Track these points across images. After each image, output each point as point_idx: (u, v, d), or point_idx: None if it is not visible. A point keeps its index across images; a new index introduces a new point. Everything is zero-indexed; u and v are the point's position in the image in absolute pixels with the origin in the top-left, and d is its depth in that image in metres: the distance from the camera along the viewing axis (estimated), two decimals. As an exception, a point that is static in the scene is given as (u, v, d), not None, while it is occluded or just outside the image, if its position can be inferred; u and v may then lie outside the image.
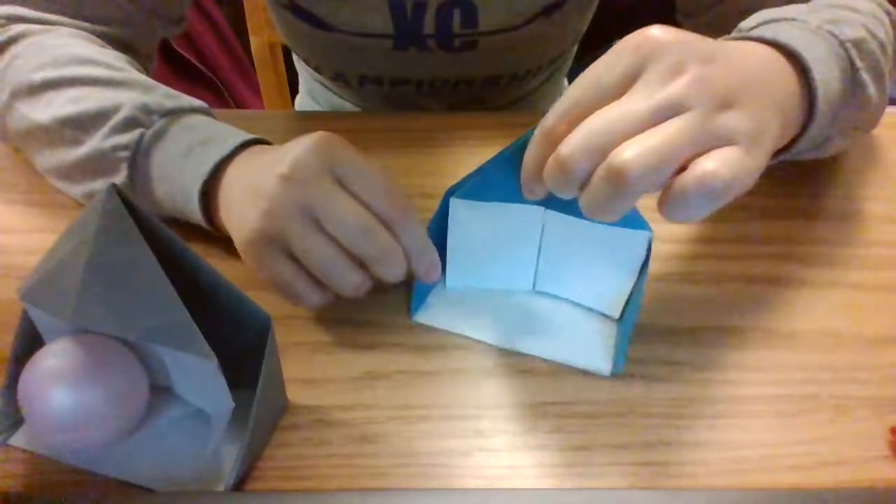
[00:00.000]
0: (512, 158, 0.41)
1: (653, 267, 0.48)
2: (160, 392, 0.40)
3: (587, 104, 0.34)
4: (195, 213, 0.46)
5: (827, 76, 0.42)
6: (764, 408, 0.40)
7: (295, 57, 0.85)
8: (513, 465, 0.38)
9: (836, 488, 0.37)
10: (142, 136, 0.47)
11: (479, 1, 0.61)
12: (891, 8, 0.53)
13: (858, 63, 0.44)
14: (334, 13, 0.63)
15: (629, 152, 0.32)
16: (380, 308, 0.46)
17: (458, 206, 0.44)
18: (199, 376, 0.37)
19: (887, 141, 0.59)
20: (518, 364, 0.43)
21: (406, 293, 0.46)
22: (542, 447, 0.39)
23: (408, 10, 0.62)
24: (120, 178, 0.47)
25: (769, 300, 0.46)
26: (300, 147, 0.41)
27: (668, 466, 0.38)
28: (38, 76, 0.50)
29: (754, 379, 0.42)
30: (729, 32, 0.49)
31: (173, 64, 1.24)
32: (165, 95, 0.49)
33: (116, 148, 0.47)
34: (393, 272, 0.41)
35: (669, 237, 0.50)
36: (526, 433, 0.39)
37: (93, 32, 0.56)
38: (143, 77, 0.51)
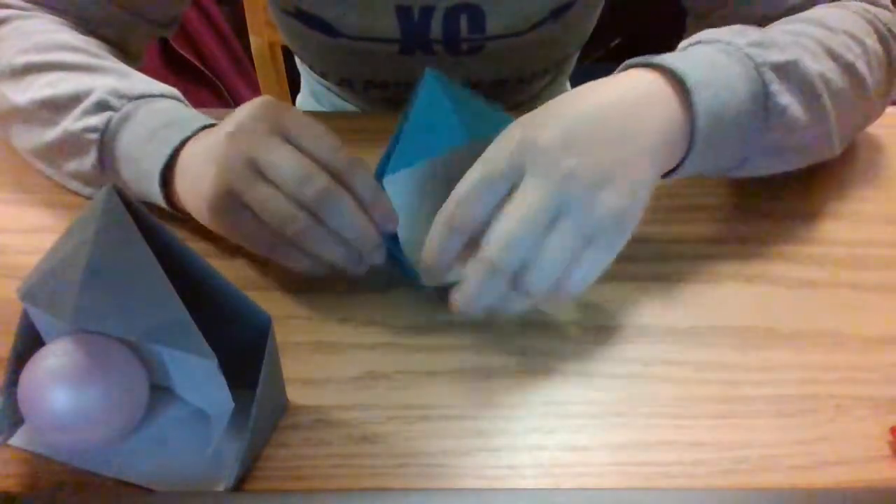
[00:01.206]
0: (419, 116, 0.44)
1: (653, 267, 0.48)
2: (160, 392, 0.40)
3: (478, 196, 0.40)
4: (157, 195, 0.47)
5: (723, 99, 0.43)
6: (764, 408, 0.40)
7: (298, 59, 0.85)
8: (513, 465, 0.38)
9: (836, 488, 0.37)
10: (110, 119, 0.48)
11: (486, 6, 0.61)
12: (885, 32, 0.52)
13: (774, 86, 0.45)
14: (341, 18, 0.63)
15: (530, 283, 0.40)
16: (380, 308, 0.46)
17: (395, 183, 0.45)
18: (199, 376, 0.37)
19: (887, 141, 0.59)
20: (518, 364, 0.43)
21: (406, 292, 0.46)
22: (542, 447, 0.39)
23: (415, 15, 0.62)
24: (90, 159, 0.49)
25: (769, 300, 0.46)
26: (245, 108, 0.43)
27: (668, 466, 0.38)
28: (20, 60, 0.52)
29: (754, 379, 0.42)
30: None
31: (173, 64, 1.24)
32: (139, 81, 0.51)
33: (86, 130, 0.48)
34: (344, 221, 0.42)
35: (670, 237, 0.50)
36: (526, 433, 0.39)
37: (77, 30, 0.56)
38: (120, 65, 0.53)
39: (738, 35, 0.46)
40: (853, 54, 0.48)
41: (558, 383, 0.42)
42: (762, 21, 0.53)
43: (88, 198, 0.52)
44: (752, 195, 0.53)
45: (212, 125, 0.47)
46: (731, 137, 0.45)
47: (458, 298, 0.41)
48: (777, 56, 0.45)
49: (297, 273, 0.44)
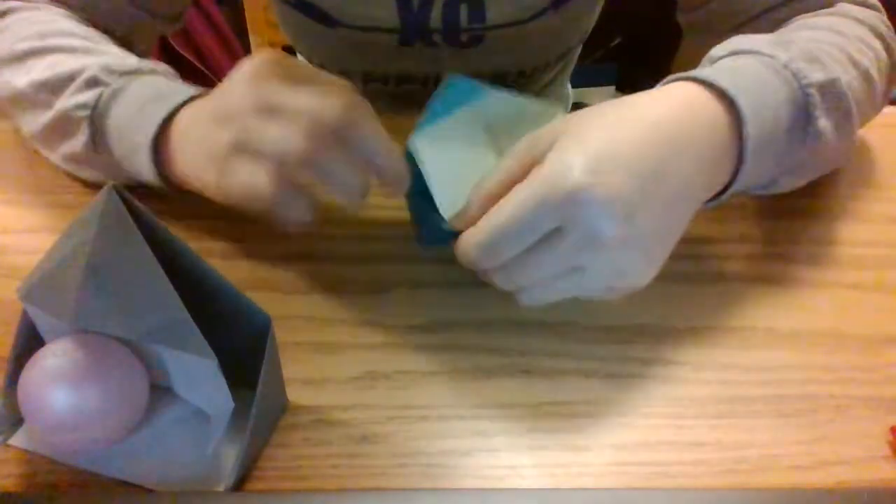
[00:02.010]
0: (445, 105, 0.44)
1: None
2: (160, 392, 0.40)
3: (504, 250, 0.39)
4: (146, 168, 0.46)
5: (769, 125, 0.42)
6: (764, 408, 0.40)
7: (298, 56, 0.85)
8: (513, 465, 0.38)
9: (836, 488, 0.37)
10: (100, 94, 0.48)
11: None
12: (886, 28, 0.52)
13: (817, 111, 0.43)
14: (340, 7, 0.63)
15: (507, 279, 0.40)
16: (380, 308, 0.46)
17: (422, 143, 0.43)
18: (199, 376, 0.37)
19: (888, 141, 0.59)
20: (518, 364, 0.43)
21: (407, 292, 0.46)
22: (542, 447, 0.39)
23: (414, 3, 0.62)
24: (83, 137, 0.48)
25: (769, 300, 0.46)
26: (248, 59, 0.42)
27: (668, 466, 0.38)
28: (22, 46, 0.52)
29: (754, 379, 0.42)
30: (719, 32, 0.48)
31: (173, 64, 1.24)
32: (133, 58, 0.51)
33: (77, 107, 0.48)
34: (367, 147, 0.41)
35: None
36: (526, 433, 0.39)
37: (87, 23, 0.56)
38: (120, 49, 0.53)
39: (779, 48, 0.45)
40: (868, 60, 0.48)
41: (558, 383, 0.42)
42: (754, 14, 0.53)
43: (90, 186, 0.52)
44: (752, 195, 0.53)
45: (201, 94, 0.47)
46: (769, 161, 0.43)
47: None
48: (820, 75, 0.44)
49: (297, 273, 0.44)
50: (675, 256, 0.49)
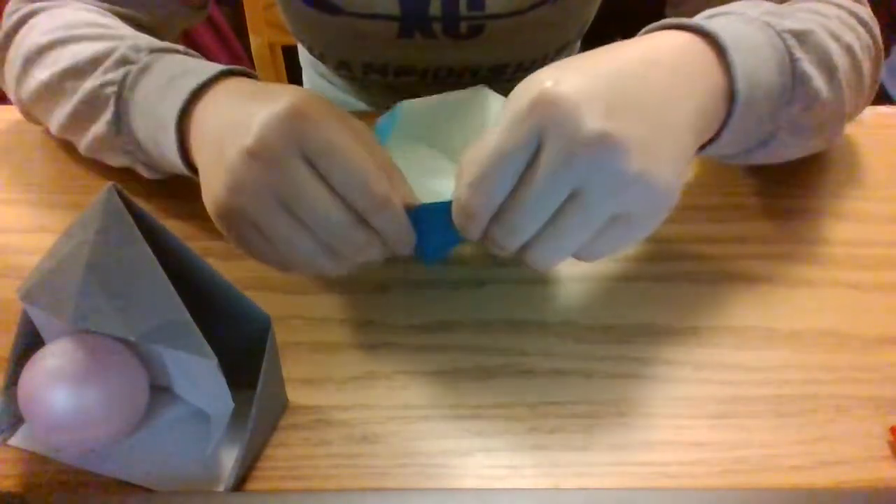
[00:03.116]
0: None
1: (653, 267, 0.48)
2: (160, 392, 0.40)
3: (493, 179, 0.36)
4: (172, 149, 0.44)
5: (753, 64, 0.41)
6: (764, 408, 0.40)
7: (300, 51, 0.85)
8: (513, 465, 0.38)
9: (836, 488, 0.37)
10: (128, 72, 0.47)
11: None
12: (869, 18, 0.52)
13: (798, 53, 0.43)
14: None
15: (535, 255, 0.38)
16: (380, 308, 0.46)
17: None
18: (199, 376, 0.37)
19: (886, 141, 0.59)
20: (518, 364, 0.43)
21: (407, 292, 0.46)
22: (542, 447, 0.39)
23: None
24: (108, 114, 0.48)
25: (769, 300, 0.46)
26: (268, 115, 0.37)
27: (668, 466, 0.38)
28: (45, 39, 0.52)
29: (754, 379, 0.42)
30: None
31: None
32: (160, 40, 0.50)
33: (104, 84, 0.48)
34: (368, 259, 0.40)
35: (670, 237, 0.50)
36: (526, 433, 0.39)
37: (120, 16, 0.56)
38: (145, 35, 0.52)
39: (749, 7, 0.45)
40: (850, 38, 0.48)
41: (558, 383, 0.42)
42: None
43: (90, 186, 0.52)
44: (752, 195, 0.53)
45: (229, 70, 0.45)
46: (762, 108, 0.43)
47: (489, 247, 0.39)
48: (791, 23, 0.44)
49: (297, 273, 0.44)
50: (675, 256, 0.49)
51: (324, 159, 0.37)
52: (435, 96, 0.48)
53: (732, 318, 0.45)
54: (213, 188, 0.39)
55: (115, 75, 0.47)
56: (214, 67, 0.45)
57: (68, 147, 0.55)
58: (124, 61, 0.48)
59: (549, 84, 0.35)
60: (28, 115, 0.56)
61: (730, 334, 0.44)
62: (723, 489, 0.37)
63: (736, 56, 0.41)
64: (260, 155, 0.37)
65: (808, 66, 0.44)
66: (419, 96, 0.48)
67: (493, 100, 0.48)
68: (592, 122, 0.34)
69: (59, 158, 0.56)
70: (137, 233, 0.34)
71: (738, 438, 0.39)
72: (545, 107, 0.34)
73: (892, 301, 0.46)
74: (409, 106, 0.48)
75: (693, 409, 0.40)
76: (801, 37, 0.44)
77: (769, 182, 0.53)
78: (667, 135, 0.36)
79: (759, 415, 0.40)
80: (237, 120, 0.39)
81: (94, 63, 0.49)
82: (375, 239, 0.39)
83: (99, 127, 0.49)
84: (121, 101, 0.47)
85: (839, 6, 0.51)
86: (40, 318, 0.38)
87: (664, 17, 0.62)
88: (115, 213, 0.34)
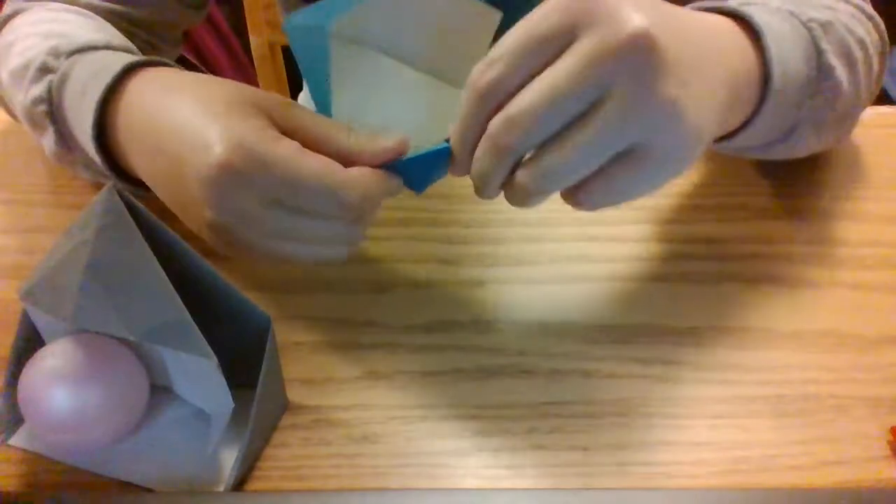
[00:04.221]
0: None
1: (653, 267, 0.48)
2: (160, 392, 0.40)
3: (516, 57, 0.32)
4: (98, 160, 0.42)
5: (786, 53, 0.40)
6: (764, 408, 0.40)
7: None
8: (513, 465, 0.38)
9: (836, 488, 0.37)
10: (51, 83, 0.44)
11: None
12: (873, 13, 0.52)
13: (823, 45, 0.42)
14: None
15: (531, 172, 0.33)
16: (380, 308, 0.46)
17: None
18: (199, 376, 0.37)
19: (887, 141, 0.59)
20: (518, 364, 0.43)
21: (407, 292, 0.46)
22: (542, 447, 0.39)
23: None
24: (51, 134, 0.45)
25: (769, 300, 0.46)
26: (203, 177, 0.35)
27: (668, 466, 0.38)
28: (13, 36, 0.49)
29: (754, 379, 0.42)
30: None
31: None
32: (88, 33, 0.47)
33: (35, 102, 0.44)
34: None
35: (670, 237, 0.50)
36: (526, 433, 0.39)
37: (112, 13, 0.55)
38: (94, 25, 0.50)
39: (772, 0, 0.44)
40: (861, 31, 0.48)
41: (558, 383, 0.42)
42: None
43: (90, 186, 0.52)
44: (752, 195, 0.53)
45: (138, 63, 0.42)
46: (791, 98, 0.41)
47: (471, 171, 0.35)
48: (817, 14, 0.43)
49: (297, 273, 0.44)
50: (675, 256, 0.49)
51: (286, 199, 0.36)
52: None
53: (732, 318, 0.45)
54: (189, 213, 0.38)
55: (40, 89, 0.44)
56: (116, 66, 0.41)
57: (68, 147, 0.55)
58: (45, 69, 0.44)
59: None
60: (10, 114, 0.54)
61: (730, 334, 0.44)
62: (723, 489, 0.37)
63: (771, 42, 0.39)
64: (224, 217, 0.36)
65: (832, 58, 0.43)
66: None
67: (486, 14, 0.40)
68: (638, 18, 0.30)
69: (59, 158, 0.56)
70: (137, 233, 0.34)
71: (738, 438, 0.39)
72: (579, 5, 0.30)
73: (892, 301, 0.46)
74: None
75: (693, 409, 0.40)
76: (826, 27, 0.43)
77: (770, 182, 0.53)
78: (704, 79, 0.33)
79: (759, 415, 0.40)
80: (183, 141, 0.37)
81: (24, 70, 0.46)
82: (364, 220, 0.38)
83: (50, 145, 0.46)
84: (57, 120, 0.45)
85: (852, 4, 0.51)
86: (40, 318, 0.38)
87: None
88: (115, 213, 0.34)
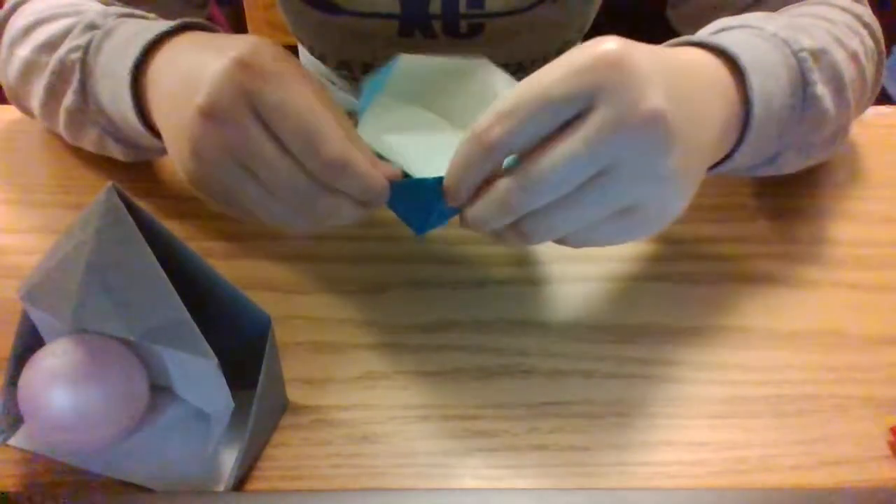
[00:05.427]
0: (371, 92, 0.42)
1: (653, 267, 0.48)
2: (160, 392, 0.40)
3: (528, 117, 0.33)
4: (130, 109, 0.43)
5: (770, 86, 0.41)
6: (764, 408, 0.40)
7: (300, 51, 0.85)
8: (513, 465, 0.38)
9: (836, 488, 0.37)
10: (93, 37, 0.46)
11: None
12: (871, 20, 0.52)
13: (813, 76, 0.43)
14: None
15: (532, 225, 0.35)
16: (380, 308, 0.46)
17: (371, 130, 0.41)
18: (199, 376, 0.37)
19: (886, 141, 0.59)
20: (518, 364, 0.43)
21: (407, 292, 0.46)
22: (542, 447, 0.39)
23: None
24: (74, 83, 0.47)
25: (769, 300, 0.46)
26: (215, 70, 0.35)
27: (668, 466, 0.38)
28: (31, 19, 0.51)
29: (754, 379, 0.42)
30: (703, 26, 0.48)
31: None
32: (133, 7, 0.49)
33: (70, 50, 0.46)
34: (346, 220, 0.38)
35: (669, 237, 0.50)
36: (526, 433, 0.39)
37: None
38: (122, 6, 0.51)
39: (764, 21, 0.45)
40: (855, 44, 0.48)
41: (558, 383, 0.42)
42: (741, 7, 0.53)
43: (90, 186, 0.52)
44: (752, 195, 0.53)
45: (183, 24, 0.44)
46: (772, 129, 0.42)
47: (467, 215, 0.37)
48: (809, 41, 0.44)
49: (297, 273, 0.44)
50: (675, 256, 0.49)
51: (275, 117, 0.35)
52: (436, 57, 0.45)
53: (732, 318, 0.45)
54: (176, 154, 0.39)
55: (81, 40, 0.46)
56: (170, 22, 0.44)
57: (68, 147, 0.55)
58: (91, 27, 0.47)
59: (618, 46, 0.32)
60: (17, 101, 0.55)
61: (730, 334, 0.44)
62: (723, 489, 0.37)
63: (755, 79, 0.40)
64: (212, 114, 0.35)
65: (820, 88, 0.43)
66: None
67: (498, 75, 0.45)
68: (656, 98, 0.32)
69: (59, 158, 0.56)
70: (137, 233, 0.34)
71: (738, 438, 0.39)
72: (612, 66, 0.32)
73: (892, 301, 0.46)
74: (408, 60, 0.44)
75: (693, 409, 0.40)
76: (816, 56, 0.44)
77: (769, 182, 0.53)
78: (700, 145, 0.36)
79: (759, 415, 0.40)
80: (189, 76, 0.37)
81: (65, 34, 0.48)
82: (344, 201, 0.37)
83: (68, 99, 0.48)
84: (85, 66, 0.46)
85: (844, 10, 0.51)
86: (40, 318, 0.38)
87: (664, 17, 0.62)
88: (115, 213, 0.34)
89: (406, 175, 0.40)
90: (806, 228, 0.51)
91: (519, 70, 0.71)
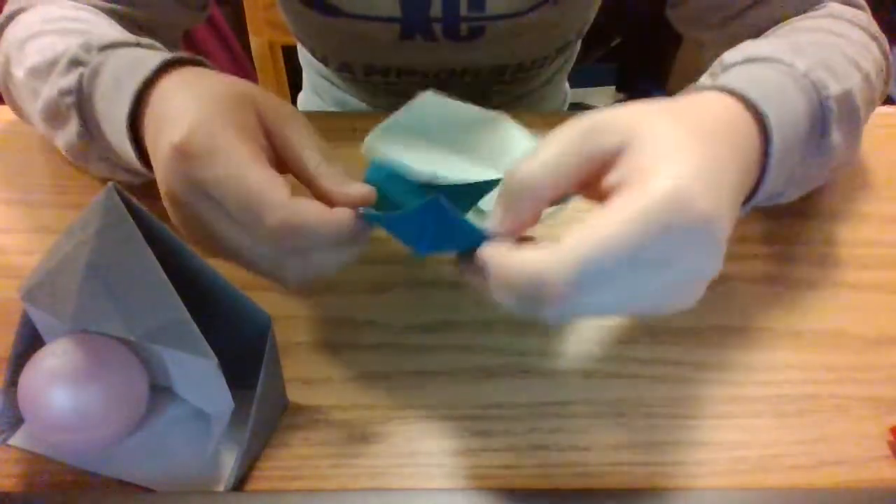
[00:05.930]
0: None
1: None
2: (160, 392, 0.40)
3: (602, 266, 0.32)
4: (132, 155, 0.43)
5: (790, 142, 0.40)
6: (764, 408, 0.40)
7: (300, 50, 0.85)
8: (513, 465, 0.38)
9: (836, 488, 0.37)
10: (81, 76, 0.45)
11: None
12: (877, 31, 0.52)
13: (833, 126, 0.43)
14: None
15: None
16: (380, 308, 0.46)
17: (382, 147, 0.42)
18: (199, 376, 0.37)
19: (887, 141, 0.59)
20: (518, 364, 0.43)
21: (407, 292, 0.46)
22: (542, 447, 0.39)
23: None
24: (74, 125, 0.46)
25: (769, 300, 0.46)
26: (161, 158, 0.37)
27: (668, 466, 0.38)
28: (24, 34, 0.50)
29: (754, 379, 0.42)
30: (708, 26, 0.47)
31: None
32: (116, 32, 0.48)
33: (61, 93, 0.45)
34: (328, 272, 0.38)
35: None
36: (526, 433, 0.39)
37: (114, 13, 0.55)
38: (112, 25, 0.51)
39: (794, 54, 0.43)
40: (868, 63, 0.48)
41: (558, 383, 0.42)
42: (741, 7, 0.53)
43: (90, 186, 0.52)
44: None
45: (174, 60, 0.43)
46: (781, 176, 0.42)
47: (476, 285, 0.35)
48: (837, 87, 0.43)
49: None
50: (675, 256, 0.49)
51: (216, 195, 0.36)
52: (459, 103, 0.45)
53: (733, 318, 0.45)
54: (165, 200, 0.39)
55: (69, 81, 0.45)
56: (153, 61, 0.42)
57: (68, 147, 0.55)
58: (76, 62, 0.45)
59: (681, 184, 0.31)
60: (18, 113, 0.55)
61: (730, 334, 0.44)
62: (723, 489, 0.37)
63: (777, 139, 0.39)
64: (170, 198, 0.37)
65: (837, 135, 0.43)
66: None
67: (516, 131, 0.46)
68: (722, 234, 0.32)
69: (59, 158, 0.56)
70: (137, 233, 0.34)
71: (739, 438, 0.39)
72: (680, 213, 0.31)
73: (892, 301, 0.46)
74: (431, 97, 0.45)
75: (693, 409, 0.40)
76: (841, 101, 0.43)
77: (769, 182, 0.53)
78: (732, 220, 0.34)
79: (759, 415, 0.40)
80: (151, 151, 0.39)
81: (51, 65, 0.47)
82: (319, 254, 0.37)
83: (70, 136, 0.47)
84: (83, 110, 0.45)
85: (853, 24, 0.51)
86: (40, 318, 0.38)
87: (664, 17, 0.62)
88: (115, 213, 0.34)
89: (393, 176, 0.40)
90: (806, 228, 0.51)
91: (519, 70, 0.71)
